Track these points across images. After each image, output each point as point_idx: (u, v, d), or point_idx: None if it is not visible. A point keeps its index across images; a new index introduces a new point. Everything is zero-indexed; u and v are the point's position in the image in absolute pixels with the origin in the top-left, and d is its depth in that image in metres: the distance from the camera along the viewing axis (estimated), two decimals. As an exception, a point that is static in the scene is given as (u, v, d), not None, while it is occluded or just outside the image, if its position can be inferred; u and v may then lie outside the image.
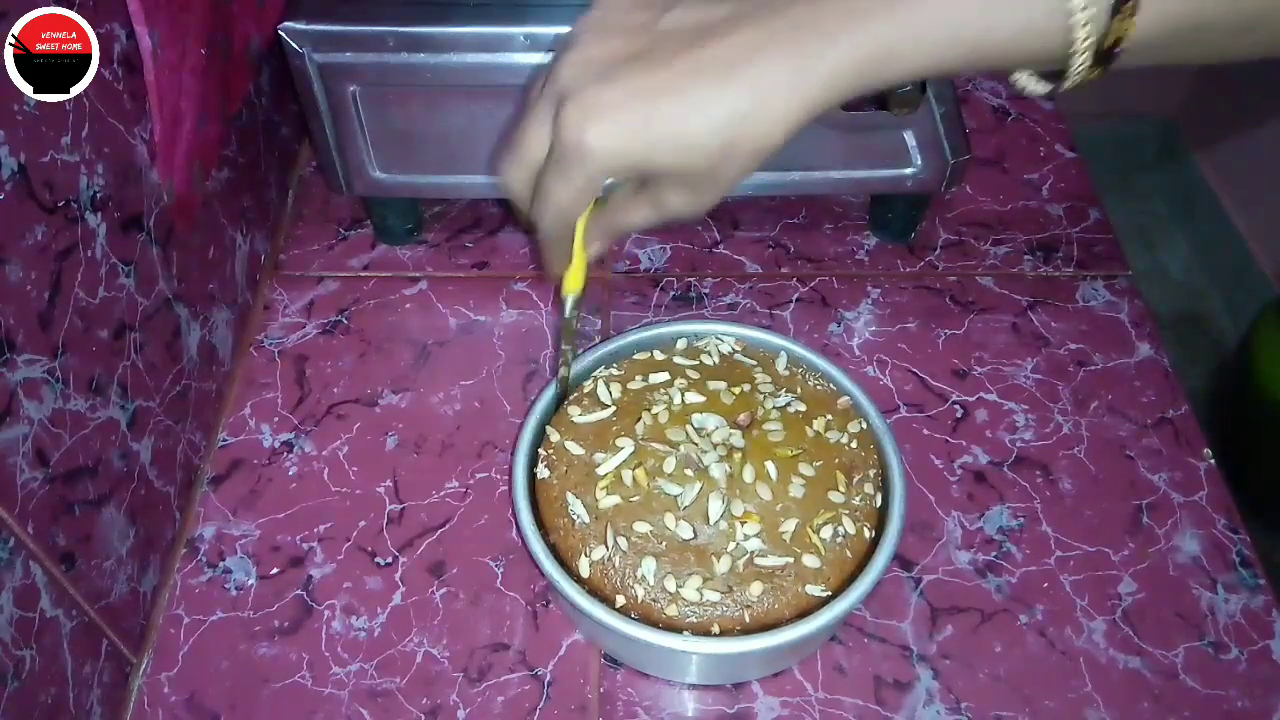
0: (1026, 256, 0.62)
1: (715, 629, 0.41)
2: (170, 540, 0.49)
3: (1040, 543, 0.50)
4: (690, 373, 0.47)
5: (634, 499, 0.43)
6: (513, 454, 0.46)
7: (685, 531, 0.42)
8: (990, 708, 0.45)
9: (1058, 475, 0.52)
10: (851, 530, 0.43)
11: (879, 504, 0.44)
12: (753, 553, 0.42)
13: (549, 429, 0.46)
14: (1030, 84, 0.34)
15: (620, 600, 0.42)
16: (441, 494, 0.52)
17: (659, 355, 0.49)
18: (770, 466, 0.43)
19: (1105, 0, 0.29)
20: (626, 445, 0.44)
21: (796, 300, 0.60)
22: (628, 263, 0.62)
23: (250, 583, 0.48)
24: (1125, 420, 0.54)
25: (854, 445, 0.45)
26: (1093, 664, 0.46)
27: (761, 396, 0.46)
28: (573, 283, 0.43)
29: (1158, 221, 1.67)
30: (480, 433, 0.54)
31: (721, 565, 0.41)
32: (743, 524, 0.42)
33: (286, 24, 0.50)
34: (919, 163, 0.56)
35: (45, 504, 0.38)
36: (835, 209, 0.64)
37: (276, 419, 0.54)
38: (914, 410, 0.55)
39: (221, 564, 0.49)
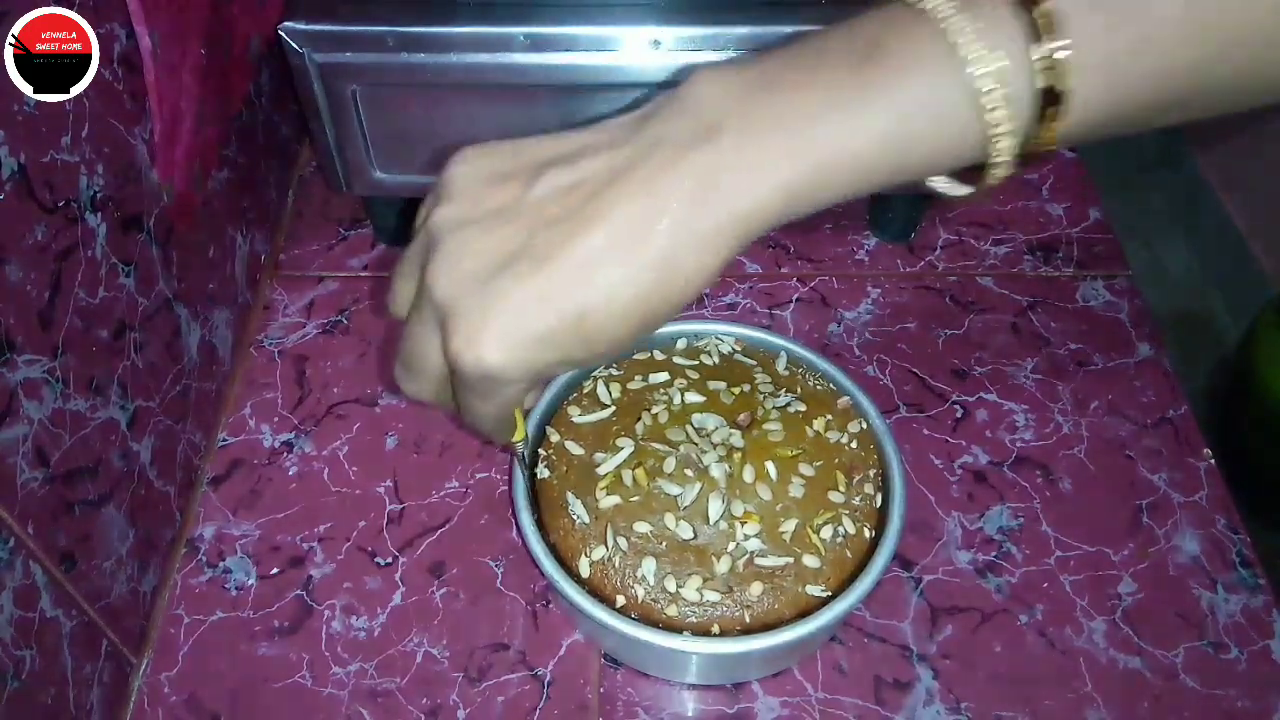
0: (1026, 256, 0.62)
1: (715, 629, 0.41)
2: (170, 540, 0.49)
3: (1040, 543, 0.50)
4: (690, 373, 0.47)
5: (634, 499, 0.43)
6: (512, 454, 0.46)
7: (685, 531, 0.42)
8: (990, 708, 0.45)
9: (1058, 475, 0.52)
10: (851, 530, 0.43)
11: (879, 504, 0.44)
12: (753, 553, 0.42)
13: (549, 429, 0.46)
14: (948, 189, 0.31)
15: (620, 600, 0.42)
16: (441, 494, 0.51)
17: (659, 355, 0.49)
18: (770, 466, 0.43)
19: (1023, 117, 0.27)
20: (626, 445, 0.44)
21: (796, 300, 0.60)
22: (628, 263, 0.62)
23: (250, 583, 0.48)
24: (1125, 420, 0.54)
25: (854, 445, 0.45)
26: (1093, 664, 0.46)
27: (761, 396, 0.46)
28: (519, 435, 0.41)
29: (1158, 221, 1.67)
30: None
31: (721, 565, 0.41)
32: (743, 524, 0.42)
33: (286, 24, 0.50)
34: (919, 163, 0.56)
35: (45, 504, 0.38)
36: (835, 209, 0.64)
37: (276, 419, 0.54)
38: (914, 410, 0.55)
39: (221, 564, 0.49)
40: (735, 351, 0.49)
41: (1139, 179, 1.69)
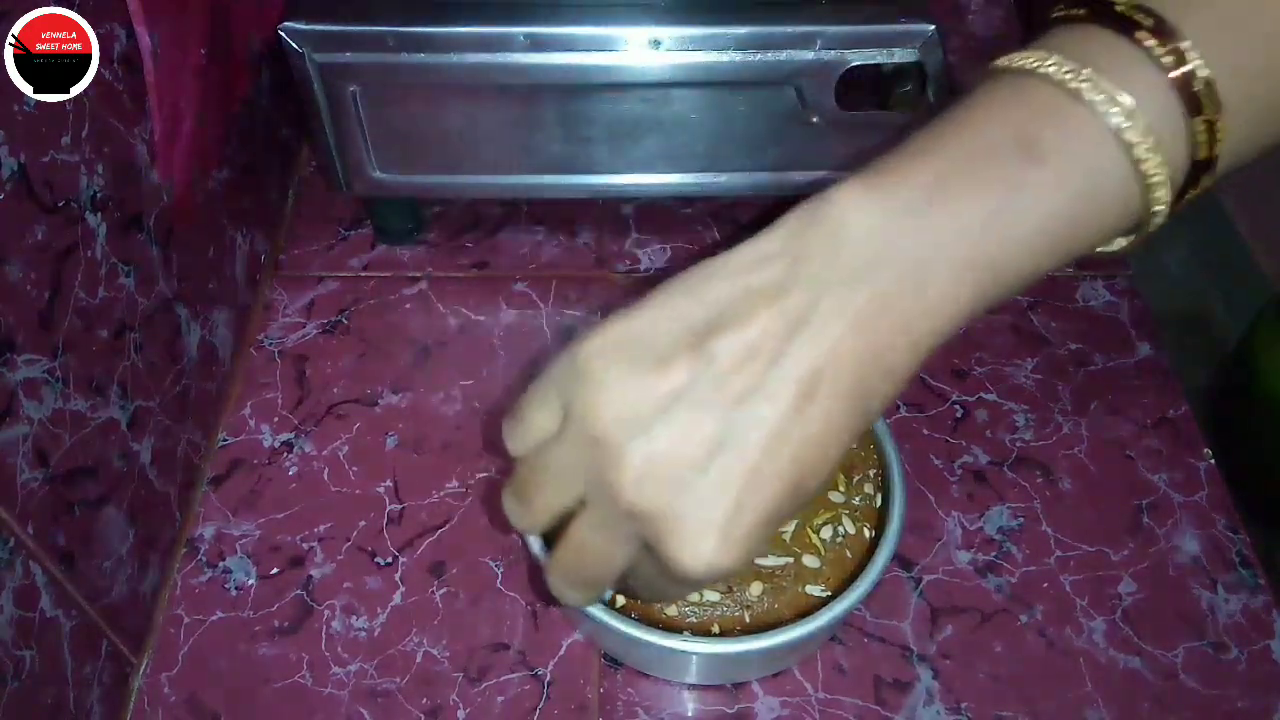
0: (1026, 256, 0.62)
1: (715, 629, 0.41)
2: (170, 540, 0.49)
3: (1040, 543, 0.50)
4: None
5: None
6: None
7: None
8: (990, 708, 0.45)
9: (1058, 475, 0.52)
10: (851, 530, 0.43)
11: (879, 504, 0.44)
12: None
13: None
14: (1106, 247, 0.31)
15: (620, 600, 0.42)
16: (441, 494, 0.51)
17: None
18: None
19: (1180, 170, 0.28)
20: None
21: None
22: (628, 263, 0.62)
23: (250, 583, 0.48)
24: (1125, 420, 0.54)
25: (854, 445, 0.45)
26: (1093, 664, 0.46)
27: None
28: None
29: (1158, 221, 1.67)
30: (480, 433, 0.54)
31: None
32: None
33: (286, 24, 0.50)
34: (919, 163, 0.56)
35: (45, 504, 0.38)
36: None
37: (276, 419, 0.54)
38: (914, 410, 0.55)
39: (221, 564, 0.49)
40: None
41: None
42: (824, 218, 0.28)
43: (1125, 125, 0.27)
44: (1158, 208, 0.28)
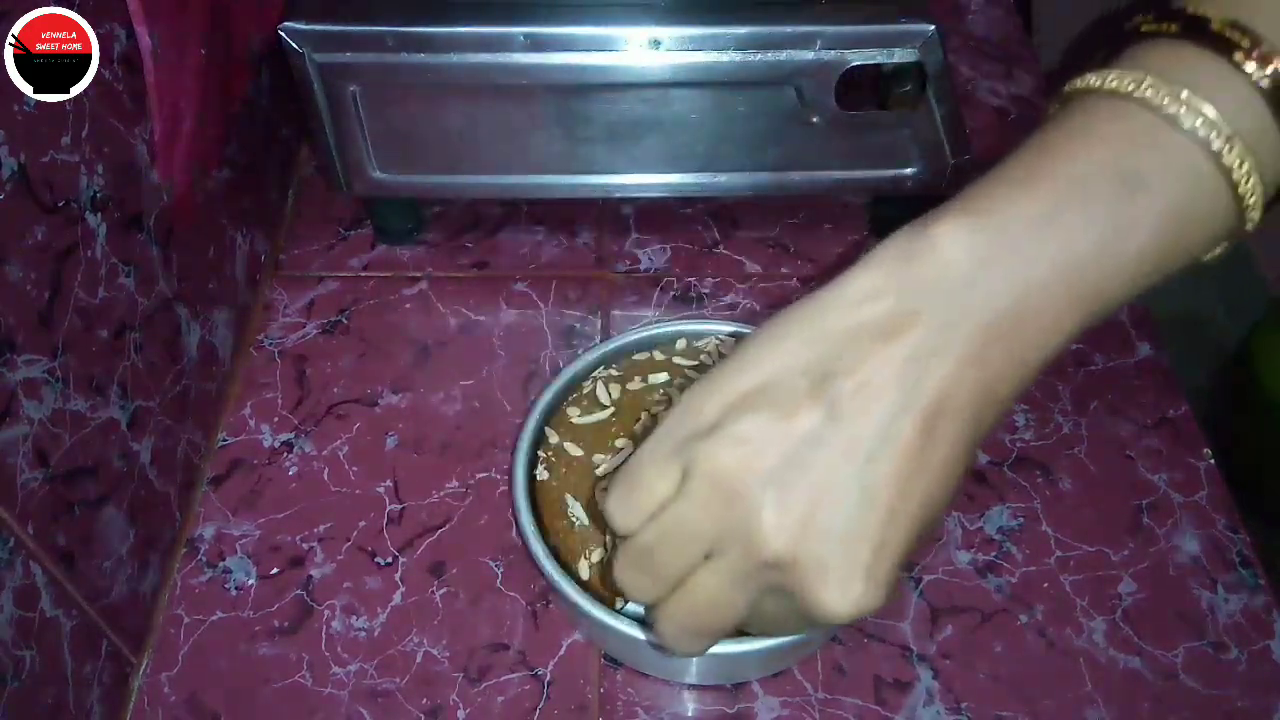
0: (1026, 256, 0.62)
1: None
2: (170, 540, 0.49)
3: (1040, 543, 0.50)
4: (690, 373, 0.47)
5: None
6: (513, 455, 0.46)
7: None
8: (990, 708, 0.45)
9: (1058, 475, 0.52)
10: None
11: None
12: None
13: (548, 430, 0.46)
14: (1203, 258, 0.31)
15: (620, 602, 0.42)
16: (441, 494, 0.51)
17: (658, 355, 0.49)
18: None
19: (1272, 186, 0.28)
20: (625, 446, 0.44)
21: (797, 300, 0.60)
22: (628, 263, 0.62)
23: (250, 583, 0.48)
24: (1125, 420, 0.54)
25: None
26: (1093, 664, 0.46)
27: None
28: None
29: (1158, 221, 1.67)
30: (480, 433, 0.54)
31: None
32: None
33: (286, 24, 0.50)
34: (919, 163, 0.56)
35: (45, 504, 0.38)
36: (835, 209, 0.64)
37: (276, 419, 0.54)
38: (914, 410, 0.54)
39: (221, 564, 0.49)
40: None
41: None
42: (926, 251, 0.28)
43: (1225, 150, 0.27)
44: (1250, 223, 0.29)
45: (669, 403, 0.46)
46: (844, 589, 0.28)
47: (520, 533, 0.43)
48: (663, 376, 0.47)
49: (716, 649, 0.39)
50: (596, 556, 0.42)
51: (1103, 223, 0.28)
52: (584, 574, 0.42)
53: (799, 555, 0.28)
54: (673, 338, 0.50)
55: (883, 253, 0.29)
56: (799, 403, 0.28)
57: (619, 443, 0.44)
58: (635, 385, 0.47)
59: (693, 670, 0.45)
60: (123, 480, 0.44)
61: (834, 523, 0.28)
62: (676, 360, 0.48)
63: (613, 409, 0.46)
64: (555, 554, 0.43)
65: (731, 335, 0.50)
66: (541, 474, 0.45)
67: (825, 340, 0.29)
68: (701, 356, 0.49)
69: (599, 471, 0.44)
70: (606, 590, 0.42)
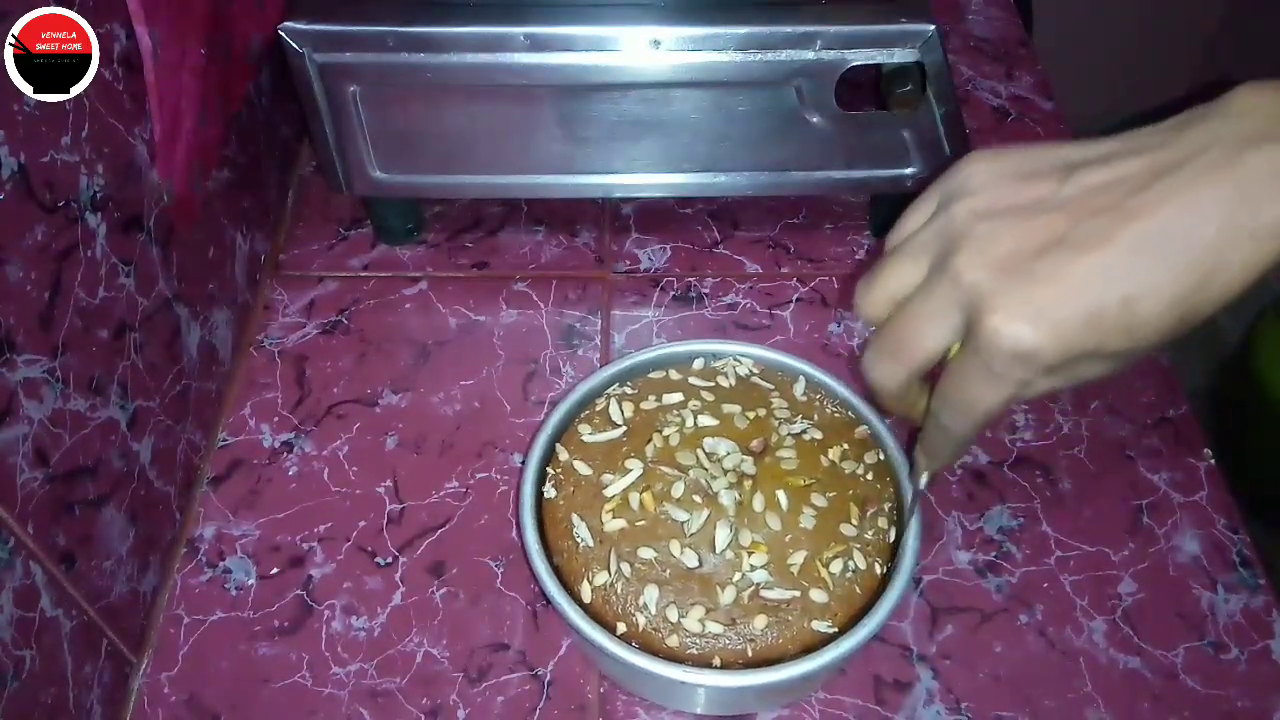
0: (1026, 256, 0.62)
1: (717, 661, 0.40)
2: (170, 540, 0.49)
3: (1040, 543, 0.50)
4: (705, 394, 0.46)
5: (640, 523, 0.42)
6: (522, 471, 0.45)
7: (690, 559, 0.41)
8: (990, 708, 0.45)
9: (1058, 475, 0.52)
10: (862, 565, 0.41)
11: (891, 539, 0.43)
12: (759, 584, 0.40)
13: (558, 446, 0.46)
14: None
15: (622, 627, 0.41)
16: (441, 494, 0.51)
17: (674, 375, 0.48)
18: (781, 495, 0.42)
19: None
20: (635, 467, 0.43)
21: (796, 300, 0.60)
22: (628, 263, 0.62)
23: (250, 583, 0.48)
24: (1125, 420, 0.54)
25: (869, 477, 0.44)
26: (1093, 664, 0.46)
27: (777, 422, 0.45)
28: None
29: (1158, 221, 1.66)
30: (480, 433, 0.54)
31: (726, 596, 0.40)
32: (750, 554, 0.41)
33: (286, 24, 0.50)
34: (919, 163, 0.56)
35: (45, 504, 0.38)
36: (835, 209, 0.64)
37: (276, 419, 0.54)
38: (914, 410, 0.54)
39: (221, 564, 0.49)
40: (753, 374, 0.48)
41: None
42: (1220, 101, 0.30)
43: None
44: None
45: (681, 424, 0.45)
46: (1012, 313, 0.30)
47: (525, 551, 0.42)
48: (677, 396, 0.46)
49: (721, 681, 0.39)
50: (599, 579, 0.41)
51: None
52: (586, 597, 0.41)
53: (984, 280, 0.31)
54: (690, 356, 0.49)
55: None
56: (1045, 176, 0.32)
57: (629, 463, 0.43)
58: (649, 404, 0.46)
59: (699, 701, 0.44)
60: (123, 480, 0.44)
61: (1025, 264, 0.30)
62: (692, 381, 0.47)
63: (625, 428, 0.45)
64: (557, 573, 0.42)
65: (746, 356, 0.49)
66: (549, 491, 0.44)
67: (1096, 148, 0.32)
68: (718, 378, 0.47)
69: (607, 493, 0.43)
70: (608, 615, 0.41)
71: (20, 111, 0.36)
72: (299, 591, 0.48)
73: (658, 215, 0.64)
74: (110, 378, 0.43)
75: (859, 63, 0.51)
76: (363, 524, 0.50)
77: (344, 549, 0.50)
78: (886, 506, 0.44)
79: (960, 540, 0.50)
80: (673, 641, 0.40)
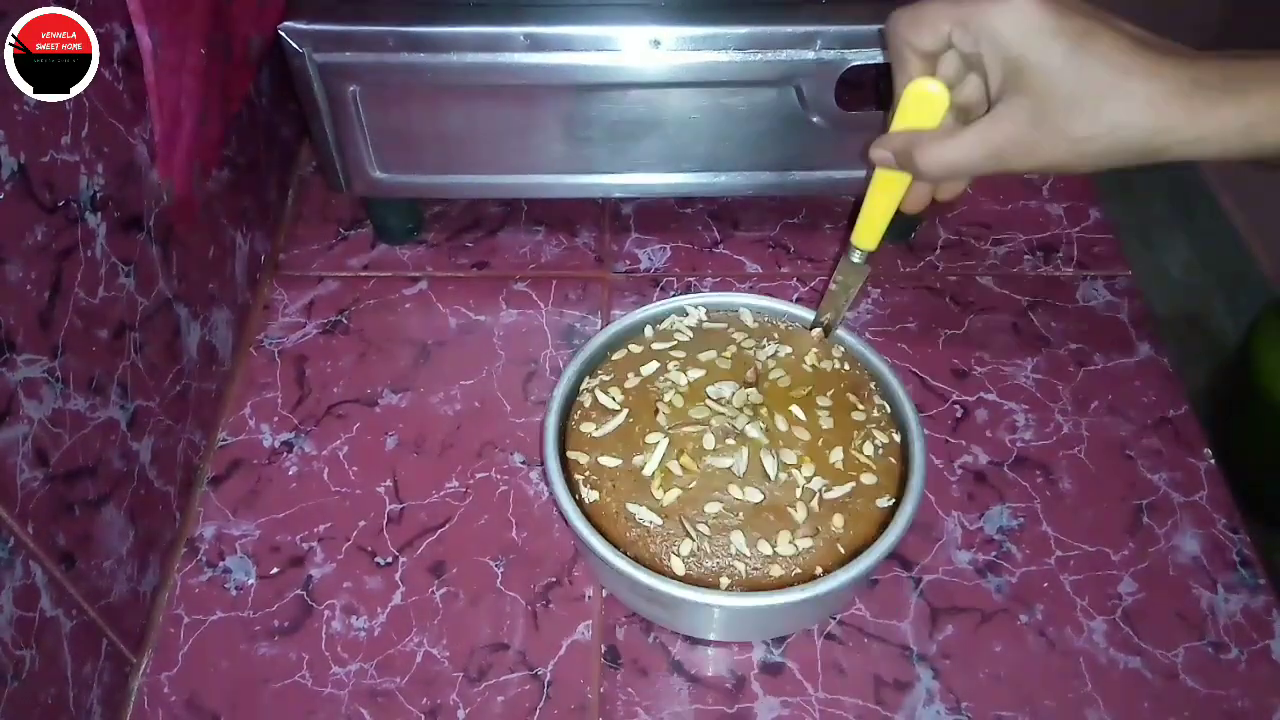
0: (1027, 256, 0.62)
1: (819, 570, 0.42)
2: (170, 540, 0.49)
3: (1040, 543, 0.50)
4: (675, 353, 0.47)
5: (692, 485, 0.43)
6: (551, 492, 0.44)
7: (754, 495, 0.43)
8: (990, 708, 0.45)
9: (1058, 475, 0.52)
10: (885, 440, 0.45)
11: (889, 410, 0.47)
12: (819, 490, 0.43)
13: (572, 453, 0.45)
14: None
15: (725, 581, 0.42)
16: (441, 494, 0.51)
17: (634, 348, 0.49)
18: (795, 409, 0.45)
19: None
20: (658, 439, 0.44)
21: (796, 300, 0.60)
22: (628, 263, 0.62)
23: (250, 583, 0.48)
24: (1125, 420, 0.54)
25: (846, 366, 0.48)
26: (1093, 664, 0.46)
27: (750, 352, 0.47)
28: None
29: (1158, 221, 1.67)
30: (480, 433, 0.54)
31: (799, 513, 0.42)
32: (799, 468, 0.43)
33: (286, 24, 0.50)
34: (919, 163, 0.56)
35: (45, 504, 0.38)
36: (835, 209, 0.64)
37: (276, 419, 0.54)
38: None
39: (221, 564, 0.49)
40: (703, 322, 0.50)
41: (1139, 179, 1.68)
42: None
43: None
44: None
45: (675, 385, 0.46)
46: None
47: (589, 556, 0.43)
48: (654, 365, 0.47)
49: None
50: (685, 549, 0.42)
51: None
52: (679, 570, 0.42)
53: None
54: (639, 326, 0.50)
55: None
56: None
57: (650, 438, 0.44)
58: (632, 382, 0.47)
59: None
60: (123, 480, 0.44)
61: None
62: (655, 346, 0.48)
63: (624, 411, 0.46)
64: (640, 562, 0.42)
65: (693, 307, 0.50)
66: (590, 495, 0.44)
67: None
68: (675, 335, 0.49)
69: (645, 472, 0.43)
70: (708, 578, 0.42)
71: (20, 111, 0.36)
72: (299, 591, 0.48)
73: (658, 215, 0.64)
74: (110, 378, 0.43)
75: (859, 63, 0.51)
76: (363, 524, 0.50)
77: (344, 549, 0.50)
78: (872, 384, 0.48)
79: (960, 540, 0.50)
80: (776, 571, 0.42)
